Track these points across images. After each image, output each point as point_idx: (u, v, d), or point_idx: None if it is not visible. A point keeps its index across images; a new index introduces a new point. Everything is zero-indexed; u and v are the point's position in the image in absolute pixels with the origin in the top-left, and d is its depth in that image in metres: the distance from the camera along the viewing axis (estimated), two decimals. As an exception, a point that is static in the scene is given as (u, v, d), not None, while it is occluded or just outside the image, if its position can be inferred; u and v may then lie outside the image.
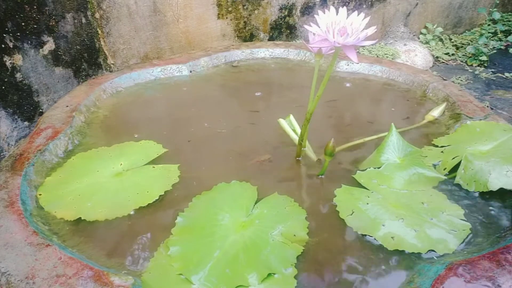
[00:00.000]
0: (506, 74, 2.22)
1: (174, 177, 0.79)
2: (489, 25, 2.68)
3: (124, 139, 0.92)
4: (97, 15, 1.37)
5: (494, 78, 2.20)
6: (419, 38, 2.51)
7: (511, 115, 1.82)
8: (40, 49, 1.25)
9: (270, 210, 0.70)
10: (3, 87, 1.18)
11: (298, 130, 0.92)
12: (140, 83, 1.23)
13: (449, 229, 0.67)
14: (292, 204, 0.72)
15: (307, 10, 1.99)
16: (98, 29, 1.39)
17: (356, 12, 0.67)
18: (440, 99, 1.12)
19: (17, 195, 0.70)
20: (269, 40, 1.93)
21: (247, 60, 1.44)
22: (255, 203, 0.73)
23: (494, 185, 0.74)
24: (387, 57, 2.20)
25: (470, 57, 2.40)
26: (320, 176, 0.82)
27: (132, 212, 0.71)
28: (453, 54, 2.48)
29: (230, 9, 1.72)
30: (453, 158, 0.82)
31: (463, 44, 2.57)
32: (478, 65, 2.35)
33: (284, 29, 1.96)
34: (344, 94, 1.21)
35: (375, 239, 0.66)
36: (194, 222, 0.67)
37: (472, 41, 2.57)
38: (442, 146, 0.89)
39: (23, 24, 1.18)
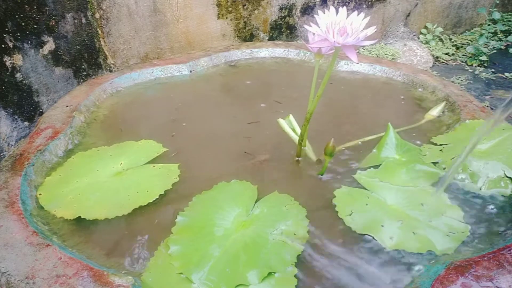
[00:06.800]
0: (506, 74, 2.22)
1: (174, 176, 0.79)
2: (489, 25, 2.68)
3: (124, 139, 0.92)
4: (97, 15, 1.37)
5: (494, 78, 2.20)
6: (419, 38, 2.51)
7: (511, 115, 1.81)
8: (40, 49, 1.25)
9: (270, 209, 0.71)
10: (3, 87, 1.18)
11: (298, 130, 0.92)
12: (140, 83, 1.23)
13: (448, 231, 0.67)
14: (292, 203, 0.72)
15: (307, 10, 2.00)
16: (98, 29, 1.39)
17: (356, 12, 0.67)
18: (439, 99, 1.12)
19: (17, 195, 0.70)
20: (269, 40, 1.93)
21: (247, 60, 1.44)
22: (255, 202, 0.73)
23: (488, 192, 0.76)
24: (387, 57, 2.20)
25: (470, 57, 2.40)
26: (320, 176, 0.82)
27: (132, 211, 0.71)
28: (453, 54, 2.48)
29: (230, 9, 1.73)
30: (452, 158, 0.82)
31: (463, 44, 2.57)
32: (478, 65, 2.35)
33: (284, 29, 1.96)
34: (344, 94, 1.21)
35: (374, 239, 0.66)
36: (194, 221, 0.67)
37: (472, 41, 2.57)
38: (441, 145, 0.89)
39: (23, 24, 1.18)
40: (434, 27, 2.50)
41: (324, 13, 0.67)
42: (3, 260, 0.57)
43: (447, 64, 2.40)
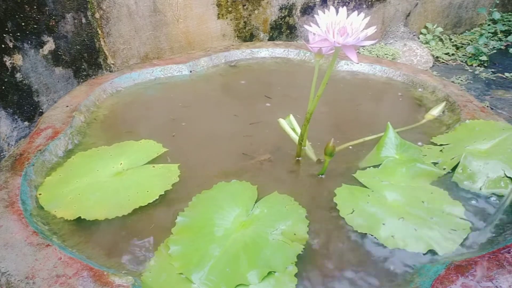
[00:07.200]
0: (506, 74, 2.23)
1: (174, 177, 0.79)
2: (489, 25, 2.68)
3: (124, 139, 0.92)
4: (97, 15, 1.37)
5: (494, 78, 2.20)
6: (419, 38, 2.51)
7: (511, 115, 1.82)
8: (40, 49, 1.25)
9: (270, 209, 0.70)
10: (3, 87, 1.18)
11: (298, 130, 0.92)
12: (140, 83, 1.23)
13: (449, 228, 0.67)
14: (292, 203, 0.72)
15: (307, 10, 2.00)
16: (98, 29, 1.39)
17: (356, 12, 0.67)
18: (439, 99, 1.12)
19: (17, 195, 0.70)
20: (269, 40, 1.93)
21: (247, 60, 1.44)
22: (255, 202, 0.73)
23: (488, 191, 0.76)
24: (387, 57, 2.21)
25: (470, 57, 2.40)
26: (320, 175, 0.82)
27: (132, 212, 0.71)
28: (453, 54, 2.48)
29: (230, 9, 1.73)
30: (452, 158, 0.82)
31: (463, 44, 2.57)
32: (478, 65, 2.35)
33: (284, 29, 1.96)
34: (344, 94, 1.21)
35: (375, 238, 0.66)
36: (194, 222, 0.67)
37: (472, 41, 2.58)
38: (441, 145, 0.89)
39: (23, 24, 1.18)
40: (434, 27, 2.51)
41: (324, 13, 0.67)
42: (3, 260, 0.57)
43: (447, 64, 2.40)
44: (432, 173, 0.80)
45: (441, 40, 2.57)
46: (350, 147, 0.92)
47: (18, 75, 1.21)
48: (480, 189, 0.77)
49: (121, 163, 0.83)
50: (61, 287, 0.53)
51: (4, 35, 1.15)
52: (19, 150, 0.83)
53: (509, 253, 0.58)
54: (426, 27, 2.53)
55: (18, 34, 1.18)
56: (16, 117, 1.24)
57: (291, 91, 1.22)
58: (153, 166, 0.83)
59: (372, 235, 0.66)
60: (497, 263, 0.56)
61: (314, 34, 0.74)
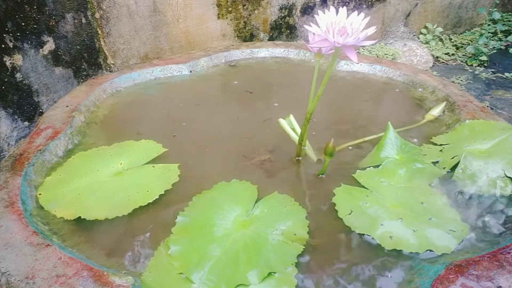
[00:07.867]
0: (506, 74, 2.22)
1: (174, 176, 0.79)
2: (489, 25, 2.68)
3: (124, 139, 0.92)
4: (97, 15, 1.37)
5: (494, 78, 2.20)
6: (419, 38, 2.51)
7: (511, 115, 1.82)
8: (40, 49, 1.25)
9: (271, 209, 0.71)
10: (3, 87, 1.18)
11: (298, 130, 0.92)
12: (140, 83, 1.23)
13: (448, 229, 0.67)
14: (292, 203, 0.72)
15: (307, 10, 2.00)
16: (98, 29, 1.39)
17: (356, 12, 0.67)
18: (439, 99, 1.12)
19: (17, 195, 0.70)
20: (269, 40, 1.93)
21: (247, 60, 1.44)
22: (256, 202, 0.73)
23: (487, 191, 0.76)
24: (387, 57, 2.20)
25: (470, 57, 2.40)
26: (320, 175, 0.82)
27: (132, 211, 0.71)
28: (453, 54, 2.48)
29: (230, 9, 1.73)
30: (452, 158, 0.82)
31: (463, 44, 2.57)
32: (478, 65, 2.35)
33: (284, 29, 1.96)
34: (344, 94, 1.21)
35: (373, 238, 0.66)
36: (195, 221, 0.67)
37: (472, 41, 2.58)
38: (441, 145, 0.89)
39: (23, 24, 1.18)
40: (434, 27, 2.50)
41: (324, 13, 0.67)
42: (3, 260, 0.57)
43: (447, 64, 2.40)
44: (432, 174, 0.80)
45: (441, 40, 2.57)
46: (350, 147, 0.92)
47: (18, 75, 1.21)
48: (480, 188, 0.77)
49: (121, 163, 0.83)
50: (61, 287, 0.53)
51: (4, 35, 1.15)
52: (19, 150, 0.83)
53: (509, 253, 0.58)
54: (426, 27, 2.53)
55: (18, 34, 1.18)
56: (16, 117, 1.24)
57: (291, 91, 1.22)
58: (153, 166, 0.83)
59: (369, 236, 0.66)
60: (497, 263, 0.56)
61: (314, 34, 0.74)
